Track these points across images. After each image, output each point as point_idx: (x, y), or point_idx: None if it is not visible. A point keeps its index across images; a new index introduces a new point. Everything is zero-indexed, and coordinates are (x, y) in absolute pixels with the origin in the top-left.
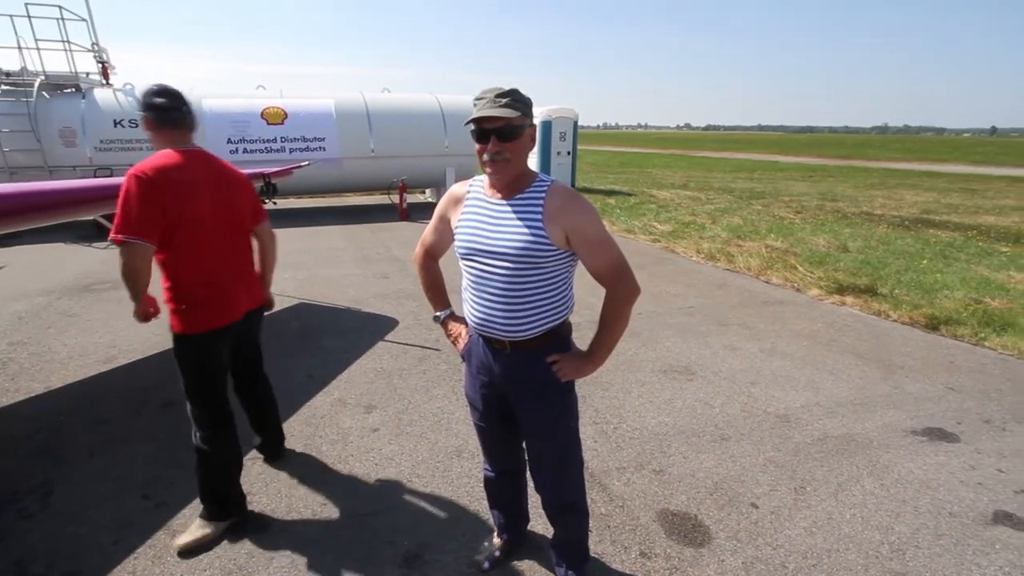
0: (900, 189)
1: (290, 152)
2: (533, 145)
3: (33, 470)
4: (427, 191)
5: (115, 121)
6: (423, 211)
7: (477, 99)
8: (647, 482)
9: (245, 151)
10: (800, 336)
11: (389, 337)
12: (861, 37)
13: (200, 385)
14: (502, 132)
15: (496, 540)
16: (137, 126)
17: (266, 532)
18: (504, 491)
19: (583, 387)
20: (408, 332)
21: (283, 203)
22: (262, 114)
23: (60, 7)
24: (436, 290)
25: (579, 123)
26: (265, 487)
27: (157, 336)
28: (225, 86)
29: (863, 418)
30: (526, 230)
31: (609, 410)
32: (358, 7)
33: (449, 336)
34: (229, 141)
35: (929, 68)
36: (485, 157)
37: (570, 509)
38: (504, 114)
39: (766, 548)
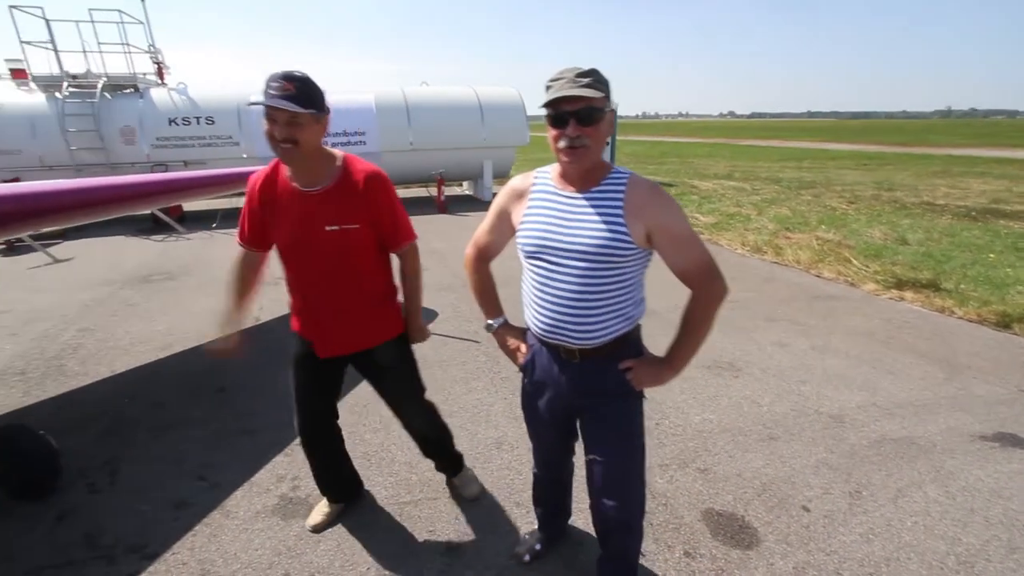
0: (966, 177)
1: (332, 146)
2: (611, 131)
3: (101, 449)
4: (464, 184)
5: (170, 119)
6: (460, 203)
7: (552, 80)
8: (691, 480)
9: None
10: (855, 333)
11: (429, 327)
12: (920, 13)
13: None
14: (582, 115)
15: (537, 533)
16: (189, 124)
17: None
18: (552, 491)
19: None
20: (447, 324)
21: None
22: None
23: (120, 11)
24: (489, 295)
25: (618, 112)
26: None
27: (197, 321)
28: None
29: (925, 420)
30: (604, 226)
31: (650, 406)
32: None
33: (505, 348)
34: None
35: (997, 44)
36: (562, 143)
37: (626, 528)
38: (586, 94)
39: (819, 554)
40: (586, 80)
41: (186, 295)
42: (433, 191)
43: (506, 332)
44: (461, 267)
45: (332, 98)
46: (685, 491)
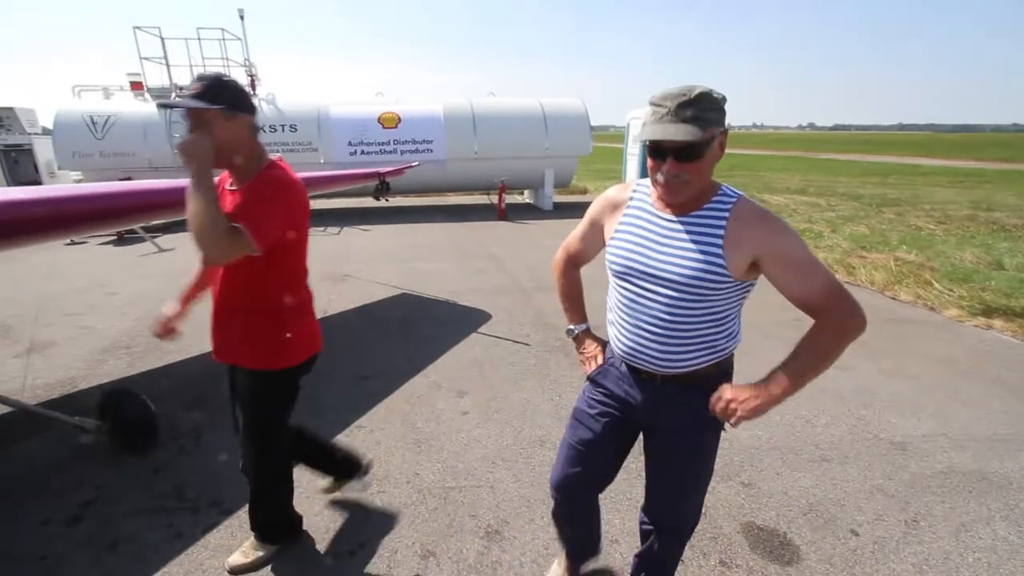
0: None
1: (401, 153)
2: (722, 154)
3: (190, 417)
4: (524, 192)
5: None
6: (520, 212)
7: (654, 104)
8: (733, 494)
9: (363, 152)
10: (930, 359)
11: (482, 329)
12: None
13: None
14: (683, 154)
15: (565, 562)
16: (275, 131)
17: (364, 491)
18: (575, 516)
19: None
20: (500, 326)
21: (392, 201)
22: (379, 119)
23: (223, 29)
24: (574, 301)
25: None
26: (367, 451)
27: None
28: (351, 92)
29: (1003, 456)
30: (699, 255)
31: None
32: (483, 15)
33: (582, 354)
34: (350, 143)
35: None
36: (659, 178)
37: (673, 533)
38: (686, 137)
39: None
40: (689, 113)
41: None
42: (494, 199)
43: (587, 338)
44: (518, 272)
45: (403, 108)
46: (726, 503)
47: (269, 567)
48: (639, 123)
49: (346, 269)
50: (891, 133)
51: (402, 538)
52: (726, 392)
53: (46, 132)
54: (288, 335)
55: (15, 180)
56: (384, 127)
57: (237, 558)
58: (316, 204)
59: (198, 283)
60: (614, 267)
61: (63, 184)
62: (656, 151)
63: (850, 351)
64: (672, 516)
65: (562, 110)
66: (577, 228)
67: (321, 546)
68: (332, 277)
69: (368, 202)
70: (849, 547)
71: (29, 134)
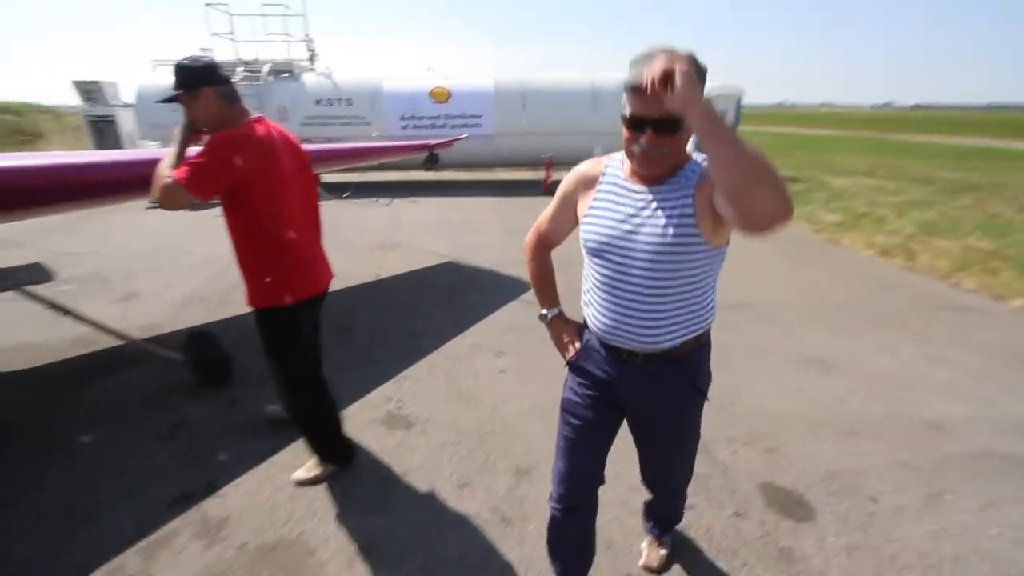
0: None
1: (451, 128)
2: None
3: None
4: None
5: (316, 100)
6: None
7: (634, 65)
8: (755, 455)
9: (414, 126)
10: (984, 348)
11: (523, 297)
12: None
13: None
14: (661, 125)
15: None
16: (332, 104)
17: (410, 431)
18: (571, 531)
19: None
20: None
21: (440, 174)
22: (430, 93)
23: (284, 5)
24: (546, 285)
25: (746, 102)
26: (413, 398)
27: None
28: (403, 68)
29: None
30: (673, 224)
31: (725, 388)
32: None
33: (557, 341)
34: (401, 118)
35: None
36: (635, 149)
37: (672, 493)
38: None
39: (877, 539)
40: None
41: (345, 250)
42: (542, 174)
43: (560, 324)
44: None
45: (453, 82)
46: (747, 463)
47: (326, 484)
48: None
49: (396, 238)
50: (979, 112)
51: (441, 471)
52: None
53: (127, 105)
54: (267, 279)
55: (101, 148)
56: (435, 101)
57: (300, 473)
58: (368, 176)
59: None
60: (590, 244)
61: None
62: (634, 123)
63: (898, 335)
64: (665, 484)
65: (611, 85)
66: (548, 208)
67: (372, 471)
68: (383, 246)
69: (418, 175)
70: (866, 511)
71: (113, 106)
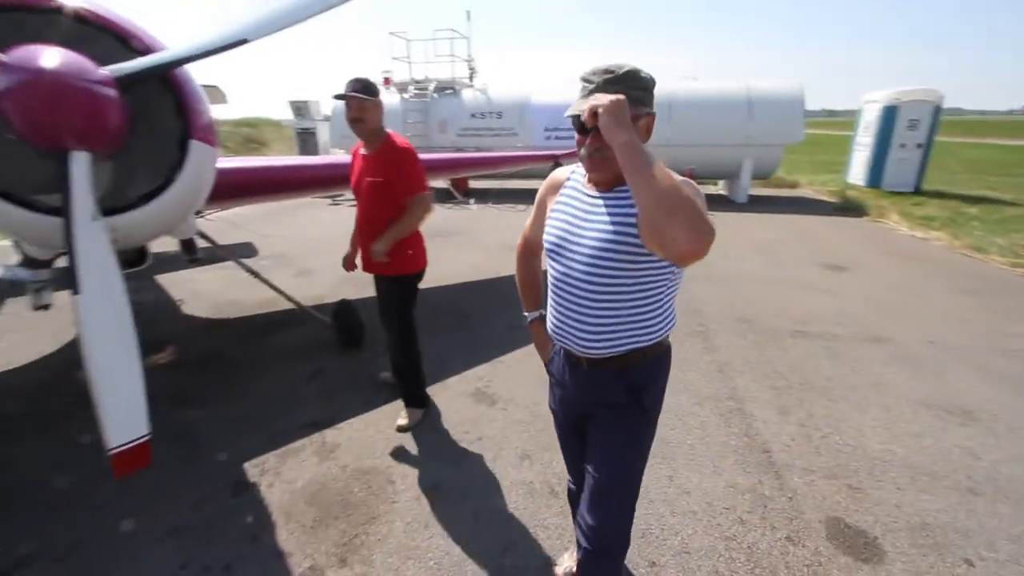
0: None
1: None
2: (648, 138)
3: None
4: (719, 183)
5: (471, 114)
6: (707, 202)
7: (584, 80)
8: (833, 491)
9: (557, 137)
10: None
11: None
12: None
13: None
14: None
15: (576, 554)
16: (484, 117)
17: (492, 406)
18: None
19: (799, 391)
20: None
21: None
22: None
23: (453, 29)
24: (529, 288)
25: (945, 106)
26: (502, 379)
27: (460, 268)
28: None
29: None
30: (612, 227)
31: (826, 420)
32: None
33: (536, 342)
34: (545, 129)
35: None
36: (583, 151)
37: (601, 552)
38: None
39: None
40: (615, 91)
41: (454, 249)
42: None
43: (539, 327)
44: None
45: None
46: (819, 496)
47: (413, 434)
48: (876, 107)
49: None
50: None
51: (510, 442)
52: (611, 101)
53: (326, 119)
54: (409, 252)
55: (303, 155)
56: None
57: (401, 421)
58: (509, 184)
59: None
60: (547, 245)
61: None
62: (581, 126)
63: None
64: (595, 525)
65: (771, 94)
66: (530, 215)
67: (453, 432)
68: (511, 247)
69: None
70: (952, 572)
71: (315, 120)
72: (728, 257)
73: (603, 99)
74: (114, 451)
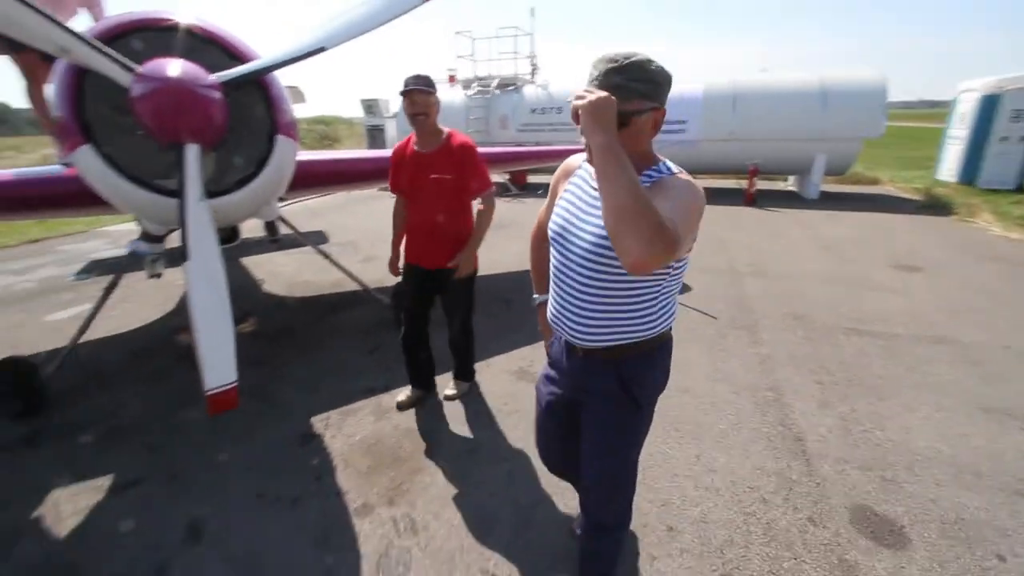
0: None
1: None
2: (656, 132)
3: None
4: (789, 179)
5: (532, 109)
6: (776, 199)
7: (592, 68)
8: (865, 481)
9: None
10: None
11: (681, 300)
12: None
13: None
14: None
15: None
16: (545, 113)
17: (531, 383)
18: (567, 478)
19: (845, 387)
20: (692, 298)
21: None
22: None
23: (516, 27)
24: (540, 273)
25: None
26: (544, 360)
27: (508, 257)
28: None
29: None
30: None
31: (870, 415)
32: None
33: (541, 325)
34: None
35: None
36: (583, 142)
37: (601, 529)
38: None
39: None
40: (615, 80)
41: (503, 240)
42: (745, 183)
43: (544, 311)
44: (738, 255)
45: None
46: (849, 485)
47: (459, 401)
48: (973, 96)
49: None
50: None
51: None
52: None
53: (393, 116)
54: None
55: (372, 149)
56: None
57: (449, 391)
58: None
59: (400, 233)
60: (551, 231)
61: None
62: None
63: None
64: (602, 511)
65: (848, 84)
66: (546, 200)
67: (492, 404)
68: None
69: None
70: (981, 565)
71: (384, 118)
72: (790, 254)
73: (588, 96)
74: (210, 392)
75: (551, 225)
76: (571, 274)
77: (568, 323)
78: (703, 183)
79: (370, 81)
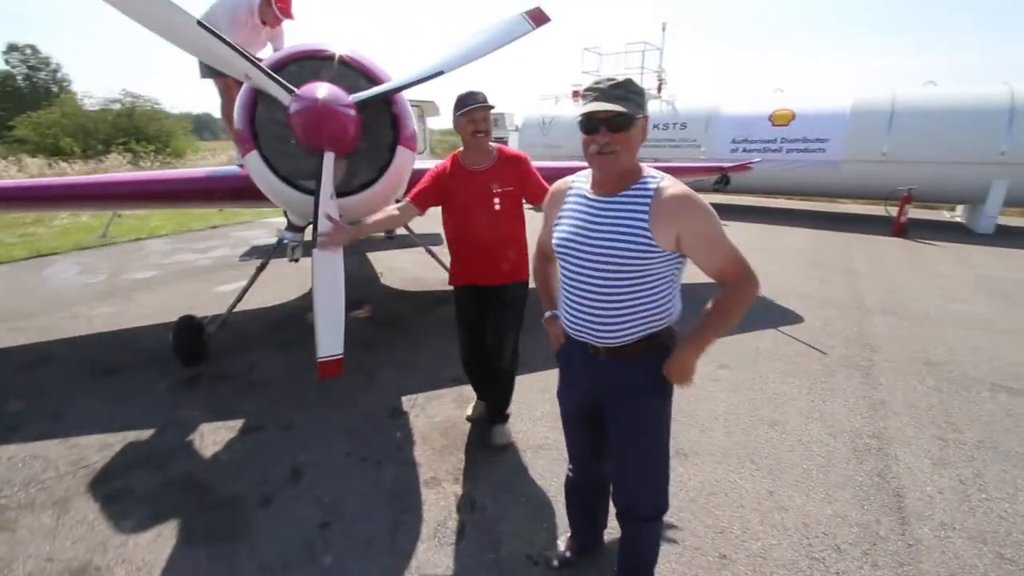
0: None
1: (786, 152)
2: (644, 138)
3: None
4: (957, 208)
5: (654, 125)
6: (936, 230)
7: (588, 90)
8: (973, 554)
9: (744, 150)
10: None
11: (783, 328)
12: None
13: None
14: (612, 122)
15: (570, 540)
16: (667, 128)
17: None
18: (583, 495)
19: (973, 448)
20: (805, 331)
21: (752, 200)
22: (770, 116)
23: (645, 42)
24: (545, 290)
25: None
26: None
27: None
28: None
29: None
30: (627, 230)
31: (999, 484)
32: None
33: (550, 337)
34: (732, 141)
35: None
36: (593, 148)
37: (638, 517)
38: (617, 108)
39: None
40: (618, 93)
41: None
42: (893, 210)
43: (553, 323)
44: (869, 290)
45: (801, 104)
46: (951, 554)
47: (527, 403)
48: None
49: None
50: None
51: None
52: (666, 367)
53: (516, 129)
54: (527, 257)
55: None
56: (774, 124)
57: (499, 439)
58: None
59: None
60: (556, 247)
61: None
62: (590, 125)
63: None
64: (638, 499)
65: None
66: (541, 226)
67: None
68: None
69: (733, 199)
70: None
71: (507, 131)
72: (936, 293)
73: (686, 383)
74: (320, 360)
75: (555, 242)
76: (587, 284)
77: (589, 328)
78: (838, 208)
79: (498, 95)
